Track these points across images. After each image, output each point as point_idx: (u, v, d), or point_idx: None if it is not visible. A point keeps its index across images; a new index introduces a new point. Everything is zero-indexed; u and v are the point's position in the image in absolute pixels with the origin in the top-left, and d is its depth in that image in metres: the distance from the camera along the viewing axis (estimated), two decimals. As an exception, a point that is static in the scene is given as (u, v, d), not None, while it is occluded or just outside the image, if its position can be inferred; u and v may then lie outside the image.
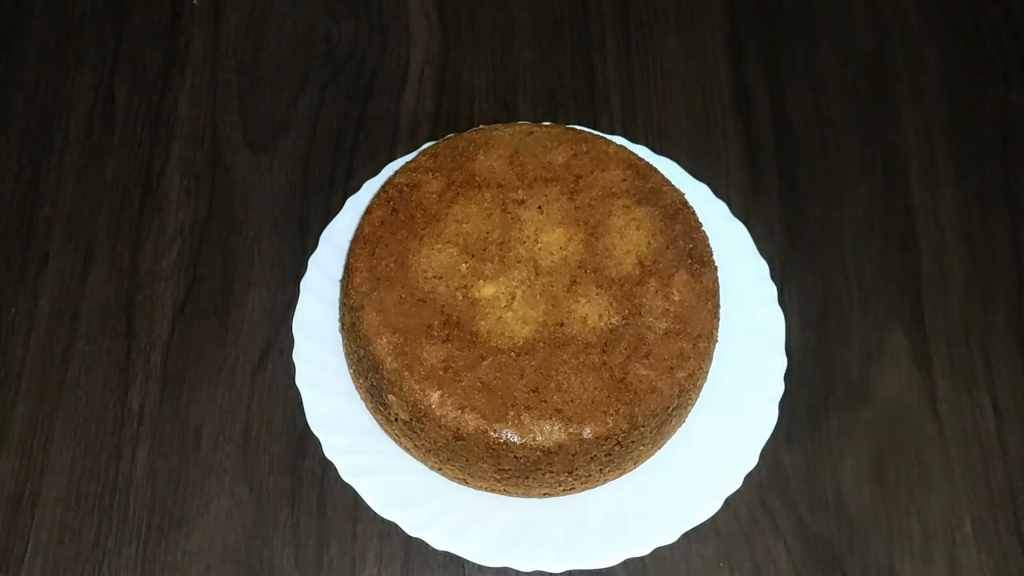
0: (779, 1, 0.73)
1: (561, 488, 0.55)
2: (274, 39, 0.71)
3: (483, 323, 0.53)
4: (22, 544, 0.56)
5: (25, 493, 0.57)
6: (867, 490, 0.58)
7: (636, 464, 0.56)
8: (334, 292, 0.60)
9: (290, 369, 0.59)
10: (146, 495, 0.57)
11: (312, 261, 0.60)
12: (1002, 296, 0.64)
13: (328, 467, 0.57)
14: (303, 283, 0.60)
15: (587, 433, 0.51)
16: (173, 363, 0.61)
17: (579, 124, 0.67)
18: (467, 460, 0.53)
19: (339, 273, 0.60)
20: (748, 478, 0.56)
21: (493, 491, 0.56)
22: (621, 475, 0.56)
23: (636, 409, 0.52)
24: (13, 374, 0.60)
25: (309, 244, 0.63)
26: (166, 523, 0.57)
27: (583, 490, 0.56)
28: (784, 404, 0.58)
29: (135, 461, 0.58)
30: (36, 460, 0.58)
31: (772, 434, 0.57)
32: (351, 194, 0.63)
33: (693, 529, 0.55)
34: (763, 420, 0.57)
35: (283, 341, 0.61)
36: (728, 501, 0.56)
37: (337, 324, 0.59)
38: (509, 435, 0.51)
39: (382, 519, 0.55)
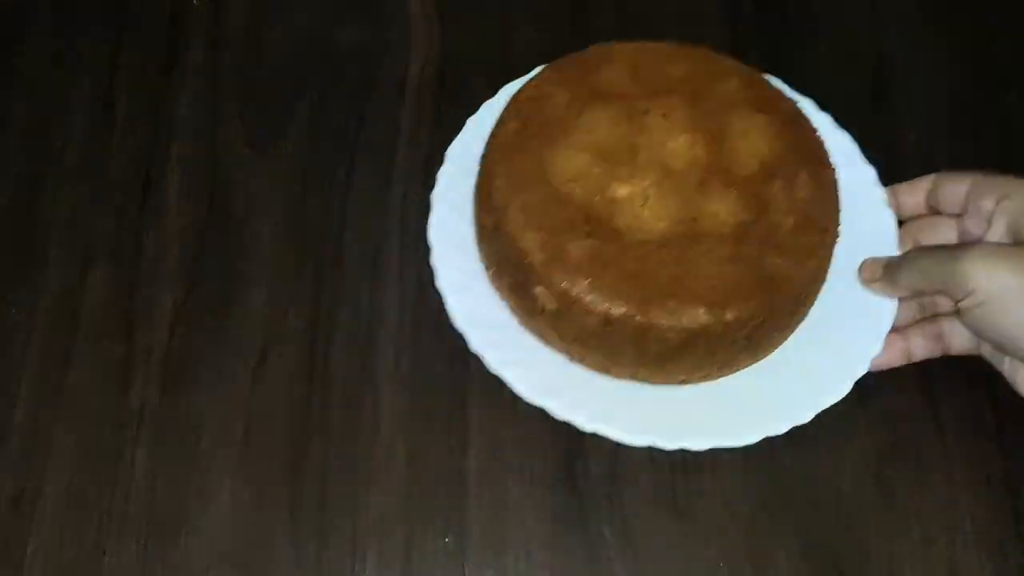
0: (779, 2, 0.73)
1: (699, 374, 0.58)
2: (274, 39, 0.71)
3: (621, 220, 0.56)
4: (22, 544, 0.56)
5: (25, 493, 0.57)
6: (867, 490, 0.58)
7: (769, 351, 0.59)
8: (463, 204, 0.61)
9: (290, 368, 0.59)
10: (146, 495, 0.57)
11: (440, 175, 0.62)
12: (1002, 297, 0.64)
13: (329, 466, 0.57)
14: (433, 195, 0.61)
15: (729, 316, 0.54)
16: (173, 363, 0.61)
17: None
18: (612, 347, 0.56)
19: (466, 187, 0.61)
20: (748, 478, 0.57)
21: (634, 378, 0.58)
22: (755, 362, 0.59)
23: (773, 295, 0.55)
24: (13, 374, 0.60)
25: (309, 244, 0.63)
26: (166, 523, 0.57)
27: (719, 376, 0.58)
28: (784, 404, 0.59)
29: (135, 461, 0.58)
30: (36, 460, 0.58)
31: (771, 434, 0.57)
32: (351, 194, 0.63)
33: (693, 529, 0.55)
34: (884, 309, 0.60)
35: (283, 341, 0.61)
36: (728, 501, 0.56)
37: (465, 232, 0.61)
38: (656, 318, 0.54)
39: (382, 519, 0.56)
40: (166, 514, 0.57)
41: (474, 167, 0.61)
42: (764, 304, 0.55)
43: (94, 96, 0.69)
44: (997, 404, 0.61)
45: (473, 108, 0.64)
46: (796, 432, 0.59)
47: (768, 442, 0.58)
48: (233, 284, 0.63)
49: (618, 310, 0.54)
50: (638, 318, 0.54)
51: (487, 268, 0.60)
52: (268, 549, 0.56)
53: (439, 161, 0.62)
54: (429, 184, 0.62)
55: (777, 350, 0.59)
